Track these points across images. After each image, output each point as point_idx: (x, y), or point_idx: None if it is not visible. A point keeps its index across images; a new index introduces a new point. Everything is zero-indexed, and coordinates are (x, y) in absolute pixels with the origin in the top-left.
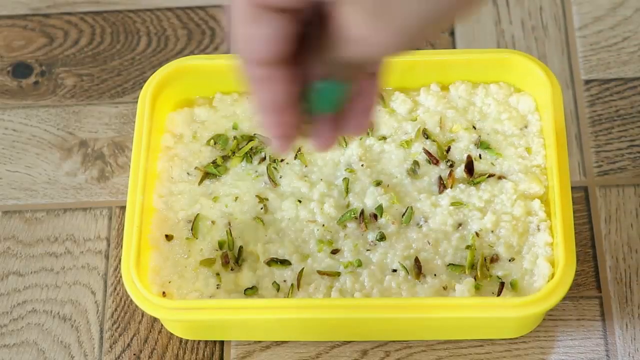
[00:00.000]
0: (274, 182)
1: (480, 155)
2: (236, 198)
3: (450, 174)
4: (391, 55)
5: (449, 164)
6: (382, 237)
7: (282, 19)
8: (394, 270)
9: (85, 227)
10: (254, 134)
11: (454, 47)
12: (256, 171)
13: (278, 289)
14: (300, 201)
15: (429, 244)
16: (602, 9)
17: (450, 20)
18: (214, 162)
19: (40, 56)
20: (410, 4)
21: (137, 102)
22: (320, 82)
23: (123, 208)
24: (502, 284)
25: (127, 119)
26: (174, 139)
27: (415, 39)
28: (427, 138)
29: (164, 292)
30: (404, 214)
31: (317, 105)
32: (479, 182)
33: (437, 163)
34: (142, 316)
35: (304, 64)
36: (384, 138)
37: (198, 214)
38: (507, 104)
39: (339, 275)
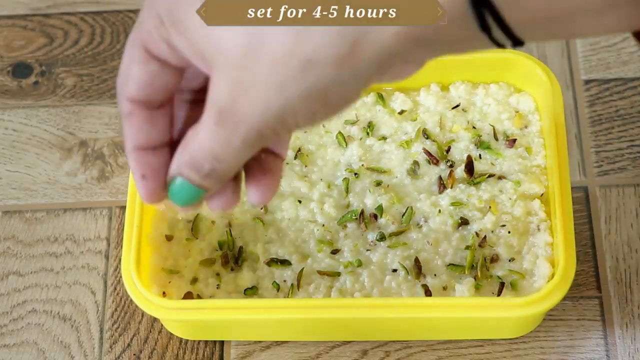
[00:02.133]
0: None
1: (480, 155)
2: None
3: (450, 174)
4: (254, 141)
5: (449, 164)
6: (382, 237)
7: (161, 67)
8: (394, 270)
9: (85, 227)
10: None
11: None
12: None
13: (278, 289)
14: (300, 201)
15: (429, 244)
16: None
17: (316, 116)
18: None
19: (40, 56)
20: (267, 85)
21: None
22: (175, 179)
23: (123, 208)
24: (502, 284)
25: None
26: None
27: (277, 125)
28: (427, 138)
29: (164, 292)
30: (404, 214)
31: (171, 196)
32: (479, 182)
33: (437, 163)
34: (142, 316)
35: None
36: (384, 138)
37: (198, 214)
38: (507, 104)
39: (339, 275)
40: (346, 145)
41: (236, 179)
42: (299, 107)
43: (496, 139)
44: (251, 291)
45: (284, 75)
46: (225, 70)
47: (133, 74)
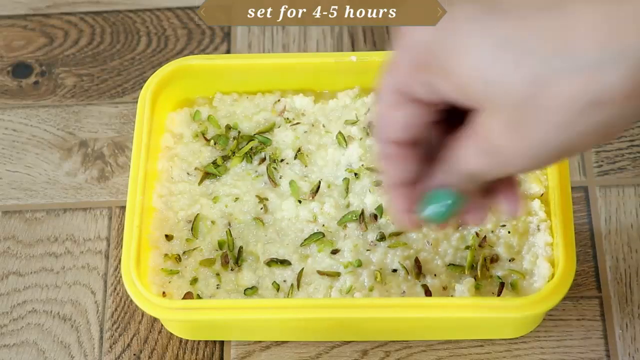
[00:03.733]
0: (274, 182)
1: None
2: (236, 198)
3: None
4: (524, 170)
5: None
6: (382, 237)
7: (419, 108)
8: (394, 270)
9: (85, 227)
10: (254, 134)
11: None
12: (256, 171)
13: (278, 289)
14: (300, 201)
15: (429, 244)
16: None
17: (588, 148)
18: (214, 162)
19: (40, 56)
20: (547, 126)
21: (137, 102)
22: (437, 189)
23: (123, 208)
24: (502, 284)
25: (127, 119)
26: (174, 139)
27: (551, 160)
28: None
29: (164, 292)
30: None
31: (427, 212)
32: None
33: None
34: (142, 316)
35: (431, 166)
36: None
37: (198, 214)
38: None
39: (339, 276)
40: (346, 145)
41: (486, 194)
42: (577, 143)
43: None
44: (251, 291)
45: (568, 116)
46: (499, 111)
47: (395, 119)
